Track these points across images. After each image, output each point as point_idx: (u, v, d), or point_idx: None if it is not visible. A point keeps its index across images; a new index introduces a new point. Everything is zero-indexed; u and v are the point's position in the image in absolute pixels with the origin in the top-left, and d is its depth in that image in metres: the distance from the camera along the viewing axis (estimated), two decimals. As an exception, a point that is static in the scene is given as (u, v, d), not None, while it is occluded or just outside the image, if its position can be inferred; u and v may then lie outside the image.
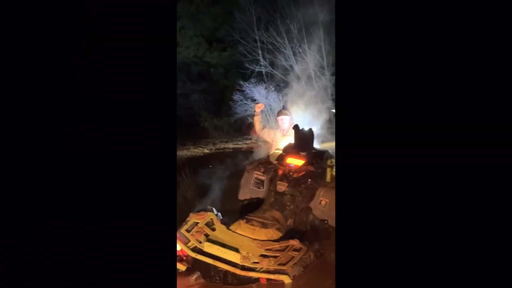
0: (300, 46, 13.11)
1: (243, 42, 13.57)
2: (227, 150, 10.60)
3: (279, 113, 3.95)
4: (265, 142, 3.85)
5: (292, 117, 3.83)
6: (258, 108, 3.91)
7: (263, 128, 3.95)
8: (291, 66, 13.19)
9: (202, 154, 10.07)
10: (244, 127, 13.37)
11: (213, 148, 11.20)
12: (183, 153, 10.55)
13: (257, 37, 13.53)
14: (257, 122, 3.85)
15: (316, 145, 3.52)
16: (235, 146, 11.22)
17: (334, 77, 12.78)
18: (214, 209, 2.77)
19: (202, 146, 11.71)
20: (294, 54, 13.16)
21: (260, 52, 13.59)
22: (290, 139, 3.54)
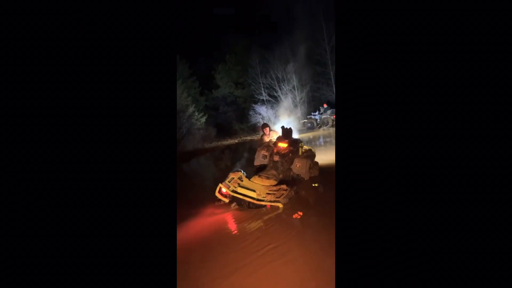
0: (283, 85, 13.00)
1: (253, 84, 13.51)
2: (246, 140, 10.55)
3: (265, 125, 3.67)
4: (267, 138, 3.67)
5: (270, 127, 3.64)
6: (266, 134, 3.64)
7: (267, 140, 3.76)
8: (279, 96, 13.12)
9: (233, 143, 10.05)
10: (255, 128, 13.31)
11: (240, 139, 11.16)
12: (224, 142, 10.55)
13: (260, 81, 13.42)
14: (266, 139, 3.63)
15: (294, 135, 3.49)
16: (251, 138, 11.17)
17: (301, 100, 12.70)
18: (239, 168, 2.76)
19: (234, 138, 11.69)
20: (281, 89, 13.06)
21: (262, 89, 13.49)
22: (278, 134, 3.50)
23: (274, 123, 9.80)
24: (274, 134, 3.69)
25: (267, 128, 3.65)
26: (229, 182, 2.45)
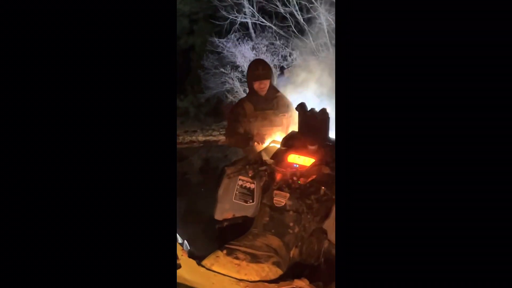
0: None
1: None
2: (194, 144, 10.60)
3: (256, 76, 3.85)
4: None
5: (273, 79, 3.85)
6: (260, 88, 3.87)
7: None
8: (292, 14, 13.14)
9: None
10: (220, 110, 13.34)
11: (184, 143, 11.20)
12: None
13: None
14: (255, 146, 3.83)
15: (333, 134, 3.52)
16: (207, 138, 11.23)
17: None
18: (177, 235, 2.75)
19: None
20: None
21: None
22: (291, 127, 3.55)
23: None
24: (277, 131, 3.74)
25: (266, 81, 3.81)
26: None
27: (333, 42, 12.25)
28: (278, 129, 3.90)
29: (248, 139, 3.80)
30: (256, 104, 3.76)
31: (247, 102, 3.72)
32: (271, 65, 12.38)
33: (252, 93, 3.81)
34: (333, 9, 12.61)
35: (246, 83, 12.23)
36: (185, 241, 2.73)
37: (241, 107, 3.66)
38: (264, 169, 3.25)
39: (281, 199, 3.03)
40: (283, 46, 12.79)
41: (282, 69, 11.28)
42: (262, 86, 3.74)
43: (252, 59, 12.61)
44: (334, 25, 12.74)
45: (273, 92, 3.90)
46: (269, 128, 3.85)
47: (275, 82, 4.37)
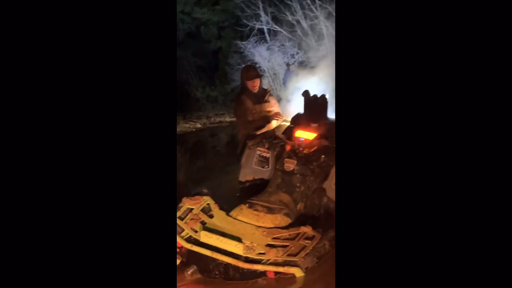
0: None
1: (240, -6, 13.38)
2: (223, 124, 10.57)
3: (249, 76, 3.73)
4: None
5: (260, 78, 3.74)
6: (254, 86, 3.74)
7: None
8: (298, 22, 13.03)
9: (194, 130, 10.05)
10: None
11: (207, 122, 11.16)
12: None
13: (256, -12, 13.30)
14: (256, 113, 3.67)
15: (331, 114, 3.51)
16: (233, 119, 11.18)
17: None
18: (204, 190, 2.79)
19: (194, 120, 11.65)
20: (302, 6, 12.96)
21: (261, 5, 13.35)
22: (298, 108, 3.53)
23: (285, 84, 9.82)
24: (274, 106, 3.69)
25: (250, 75, 3.68)
26: (181, 219, 2.48)
27: (331, 42, 12.12)
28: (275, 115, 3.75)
29: (267, 118, 3.64)
30: (252, 99, 3.64)
31: (246, 98, 3.60)
32: (282, 62, 12.33)
33: (247, 91, 3.67)
34: (332, 18, 12.55)
35: (262, 77, 12.21)
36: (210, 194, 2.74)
37: (243, 104, 3.56)
38: (277, 142, 3.26)
39: (290, 165, 3.04)
40: (292, 47, 12.70)
41: (288, 65, 11.19)
42: (254, 84, 3.63)
43: (266, 56, 12.59)
44: (331, 29, 12.60)
45: (263, 89, 3.77)
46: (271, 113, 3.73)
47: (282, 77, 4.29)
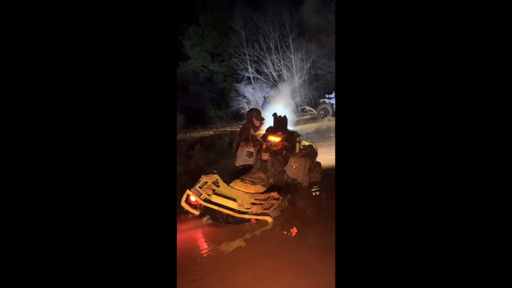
0: (276, 58, 13.00)
1: (236, 55, 13.36)
2: (226, 132, 10.52)
3: (261, 118, 3.64)
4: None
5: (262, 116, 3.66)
6: (256, 126, 3.64)
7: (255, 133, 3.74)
8: (270, 73, 13.11)
9: (208, 135, 9.99)
10: (238, 116, 13.29)
11: (216, 131, 11.08)
12: (195, 134, 10.45)
13: (246, 52, 13.31)
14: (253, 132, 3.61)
15: (290, 126, 3.53)
16: (232, 129, 11.15)
17: (301, 79, 12.81)
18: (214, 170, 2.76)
19: (209, 129, 11.58)
20: (272, 64, 13.06)
21: (248, 62, 13.40)
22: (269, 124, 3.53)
23: (263, 110, 9.86)
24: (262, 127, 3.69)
25: (258, 118, 3.56)
26: (200, 188, 2.45)
27: (290, 85, 12.24)
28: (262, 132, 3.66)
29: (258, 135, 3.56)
30: (253, 128, 3.52)
31: (249, 128, 3.48)
32: (261, 96, 12.35)
33: (251, 124, 3.53)
34: (290, 70, 12.77)
35: (250, 104, 12.18)
36: (218, 172, 2.66)
37: (247, 129, 3.48)
38: (258, 142, 3.25)
39: (265, 156, 3.02)
40: (266, 87, 12.75)
41: (265, 98, 11.26)
42: (260, 124, 3.57)
43: (251, 92, 12.62)
44: (290, 77, 12.71)
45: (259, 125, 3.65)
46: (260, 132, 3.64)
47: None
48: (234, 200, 2.37)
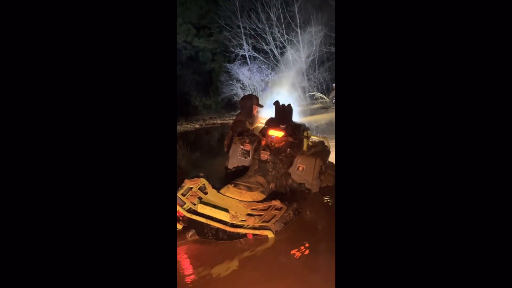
0: (279, 32, 12.96)
1: (228, 28, 13.31)
2: (215, 125, 10.51)
3: (252, 99, 3.71)
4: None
5: (258, 104, 3.70)
6: (254, 116, 3.71)
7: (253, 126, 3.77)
8: (271, 50, 13.07)
9: (193, 129, 9.98)
10: (230, 105, 13.27)
11: (203, 124, 11.08)
12: (176, 128, 10.44)
13: (240, 24, 13.25)
14: (249, 125, 3.65)
15: (295, 118, 3.52)
16: (223, 121, 11.13)
17: (310, 59, 12.77)
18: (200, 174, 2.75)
19: (193, 122, 11.56)
20: (274, 39, 13.01)
21: (243, 37, 13.33)
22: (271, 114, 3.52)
23: (262, 97, 9.82)
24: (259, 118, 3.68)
25: (255, 105, 3.62)
26: (183, 195, 2.45)
27: (296, 66, 12.20)
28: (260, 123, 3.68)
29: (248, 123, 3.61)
30: (249, 120, 3.57)
31: (245, 120, 3.54)
32: (260, 79, 12.34)
33: (247, 115, 3.58)
34: (295, 46, 12.72)
35: (245, 90, 12.17)
36: (205, 176, 2.67)
37: (242, 122, 3.52)
38: (255, 138, 3.24)
39: (264, 155, 3.02)
40: (266, 69, 12.72)
41: (266, 82, 11.28)
42: (256, 110, 3.60)
43: (247, 75, 12.61)
44: (296, 56, 12.66)
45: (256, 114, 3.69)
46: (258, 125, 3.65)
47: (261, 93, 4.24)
48: (226, 210, 2.36)
